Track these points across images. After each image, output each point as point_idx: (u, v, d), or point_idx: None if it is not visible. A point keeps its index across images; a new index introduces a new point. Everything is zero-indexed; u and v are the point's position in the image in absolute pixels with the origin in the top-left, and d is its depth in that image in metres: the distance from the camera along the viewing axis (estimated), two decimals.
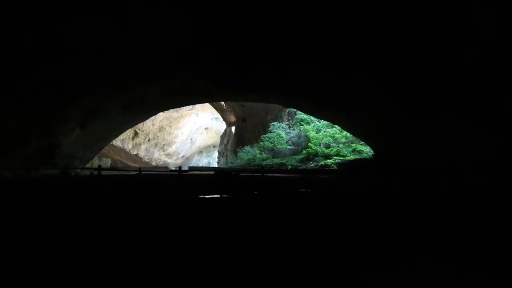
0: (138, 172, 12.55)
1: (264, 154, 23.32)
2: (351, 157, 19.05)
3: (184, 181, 9.92)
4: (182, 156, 52.92)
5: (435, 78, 8.27)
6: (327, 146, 20.80)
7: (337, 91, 12.12)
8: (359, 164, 17.52)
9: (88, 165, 23.38)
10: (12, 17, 7.57)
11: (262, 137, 24.79)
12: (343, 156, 19.29)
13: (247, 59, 10.76)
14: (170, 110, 41.28)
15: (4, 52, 8.68)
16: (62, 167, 13.93)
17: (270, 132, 24.67)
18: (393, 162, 14.30)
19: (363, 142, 19.20)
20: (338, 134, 21.31)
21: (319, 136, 21.65)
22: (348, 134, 20.18)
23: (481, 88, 7.43)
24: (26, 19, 7.77)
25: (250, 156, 24.27)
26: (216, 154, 46.46)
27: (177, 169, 10.89)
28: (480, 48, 6.48)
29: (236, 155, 27.61)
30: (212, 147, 56.40)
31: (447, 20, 6.46)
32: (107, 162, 25.55)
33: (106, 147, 29.73)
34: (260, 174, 10.85)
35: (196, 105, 42.70)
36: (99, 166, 12.19)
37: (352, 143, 20.64)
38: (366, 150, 19.37)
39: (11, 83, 10.04)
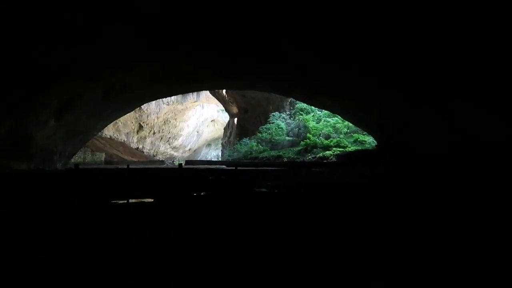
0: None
1: (261, 146, 22.23)
2: (352, 148, 17.80)
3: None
4: (189, 149, 52.34)
5: (443, 56, 7.10)
6: (327, 137, 19.57)
7: (332, 74, 10.99)
8: (359, 155, 16.30)
9: (79, 160, 22.85)
10: None
11: (260, 128, 23.70)
12: (343, 147, 18.07)
13: (231, 39, 9.67)
14: (175, 102, 40.77)
15: None
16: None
17: (270, 123, 23.54)
18: (398, 152, 13.18)
19: (366, 132, 17.95)
20: (340, 123, 20.05)
21: (319, 126, 20.44)
22: (350, 124, 18.91)
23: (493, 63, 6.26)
24: None
25: (246, 149, 23.23)
26: None
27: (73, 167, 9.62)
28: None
29: (233, 148, 26.63)
30: (220, 139, 55.59)
31: None
32: (100, 157, 24.92)
33: (102, 141, 29.21)
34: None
35: (201, 96, 41.93)
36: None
37: (354, 133, 19.37)
38: (369, 141, 18.13)
39: None
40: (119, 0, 7.50)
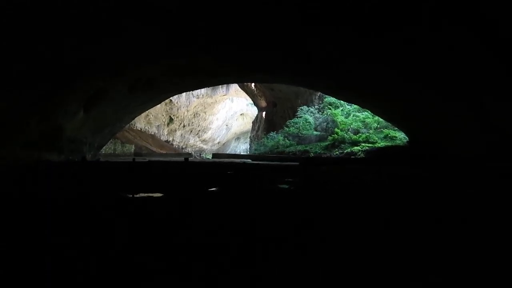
0: None
1: (287, 141, 21.84)
2: (381, 144, 17.07)
3: None
4: (218, 142, 52.74)
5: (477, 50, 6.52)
6: (356, 132, 18.88)
7: (359, 69, 10.49)
8: (389, 151, 15.59)
9: (109, 151, 23.53)
10: None
11: (287, 123, 23.29)
12: (373, 142, 17.37)
13: (252, 32, 9.39)
14: (204, 95, 41.07)
15: None
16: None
17: (297, 117, 23.08)
18: (429, 150, 12.48)
19: (397, 128, 17.15)
20: (369, 118, 19.30)
21: (347, 120, 19.77)
22: (381, 119, 18.13)
23: None
24: None
25: (273, 143, 22.92)
26: None
27: None
28: None
29: (260, 142, 26.41)
30: (249, 133, 55.63)
31: None
32: (130, 148, 25.58)
33: (132, 133, 29.93)
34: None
35: (230, 90, 41.95)
36: None
37: (384, 129, 18.57)
38: (400, 137, 17.31)
39: (3, 64, 9.52)
40: None
